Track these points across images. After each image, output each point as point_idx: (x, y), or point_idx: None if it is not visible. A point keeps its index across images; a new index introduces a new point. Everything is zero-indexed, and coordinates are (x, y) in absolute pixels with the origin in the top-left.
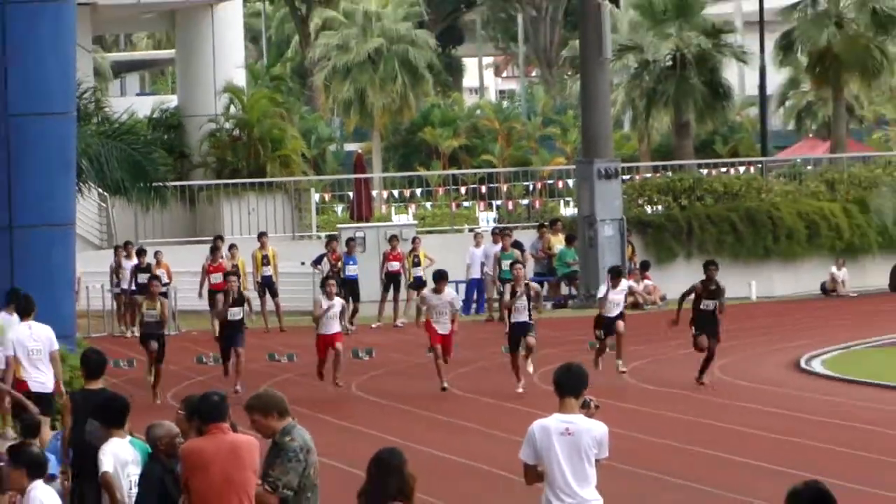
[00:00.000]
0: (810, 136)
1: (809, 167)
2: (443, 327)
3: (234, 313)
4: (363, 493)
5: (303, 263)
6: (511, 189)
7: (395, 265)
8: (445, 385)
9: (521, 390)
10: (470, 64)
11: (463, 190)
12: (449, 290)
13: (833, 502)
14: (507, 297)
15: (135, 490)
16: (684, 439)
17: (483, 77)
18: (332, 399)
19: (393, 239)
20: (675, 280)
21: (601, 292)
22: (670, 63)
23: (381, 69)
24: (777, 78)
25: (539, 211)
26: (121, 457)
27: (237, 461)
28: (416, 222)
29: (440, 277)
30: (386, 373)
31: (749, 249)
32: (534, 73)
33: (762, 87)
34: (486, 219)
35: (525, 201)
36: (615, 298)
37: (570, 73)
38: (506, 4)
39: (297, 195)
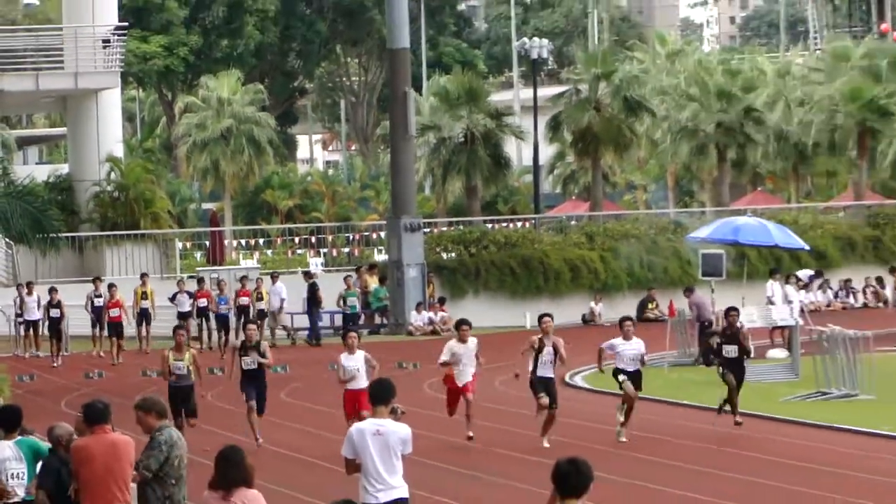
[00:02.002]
0: (574, 197)
1: (573, 223)
2: (462, 378)
3: (248, 363)
4: (213, 483)
5: (169, 299)
6: (335, 239)
7: (244, 300)
8: (471, 434)
9: (546, 445)
10: (302, 140)
11: (297, 240)
12: (473, 339)
13: (584, 473)
14: (527, 347)
15: (13, 481)
16: (474, 439)
17: (313, 150)
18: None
19: (243, 279)
20: (466, 311)
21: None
22: (462, 139)
23: (232, 144)
24: (547, 151)
25: (358, 257)
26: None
27: (116, 455)
28: (259, 265)
29: (464, 323)
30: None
31: (524, 287)
32: (353, 148)
33: (535, 158)
34: (315, 263)
35: (346, 249)
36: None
37: (382, 147)
38: (331, 92)
39: (165, 244)
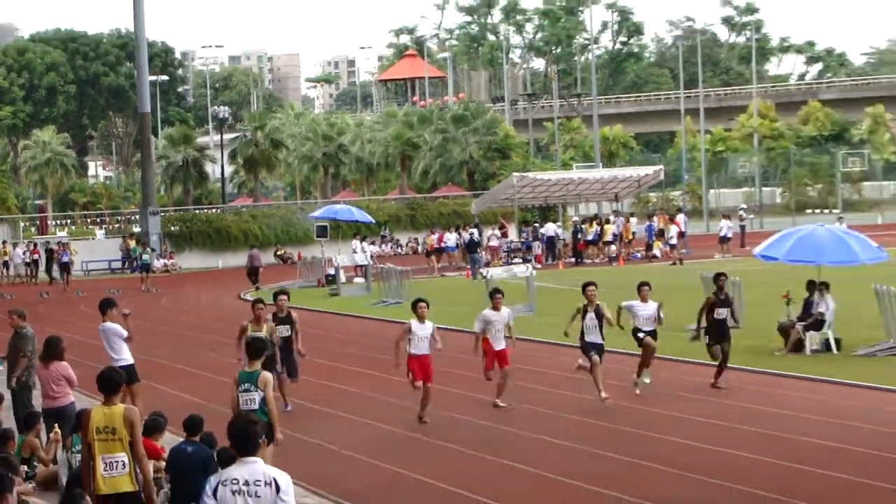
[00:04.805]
0: (245, 195)
1: (244, 209)
2: (498, 343)
3: (282, 331)
4: (40, 356)
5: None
6: (111, 220)
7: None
8: (500, 402)
9: (605, 395)
10: (92, 164)
11: (89, 220)
12: (506, 308)
13: (260, 344)
14: (574, 312)
15: None
16: (189, 328)
17: (98, 170)
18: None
19: (58, 244)
20: (185, 259)
21: None
22: (181, 163)
23: (51, 167)
24: (229, 169)
25: (125, 230)
26: None
27: None
28: (67, 235)
29: (497, 292)
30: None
31: (217, 246)
32: (121, 168)
33: (222, 173)
34: (100, 234)
35: (118, 225)
36: None
37: (136, 168)
38: (107, 137)
39: (14, 223)
